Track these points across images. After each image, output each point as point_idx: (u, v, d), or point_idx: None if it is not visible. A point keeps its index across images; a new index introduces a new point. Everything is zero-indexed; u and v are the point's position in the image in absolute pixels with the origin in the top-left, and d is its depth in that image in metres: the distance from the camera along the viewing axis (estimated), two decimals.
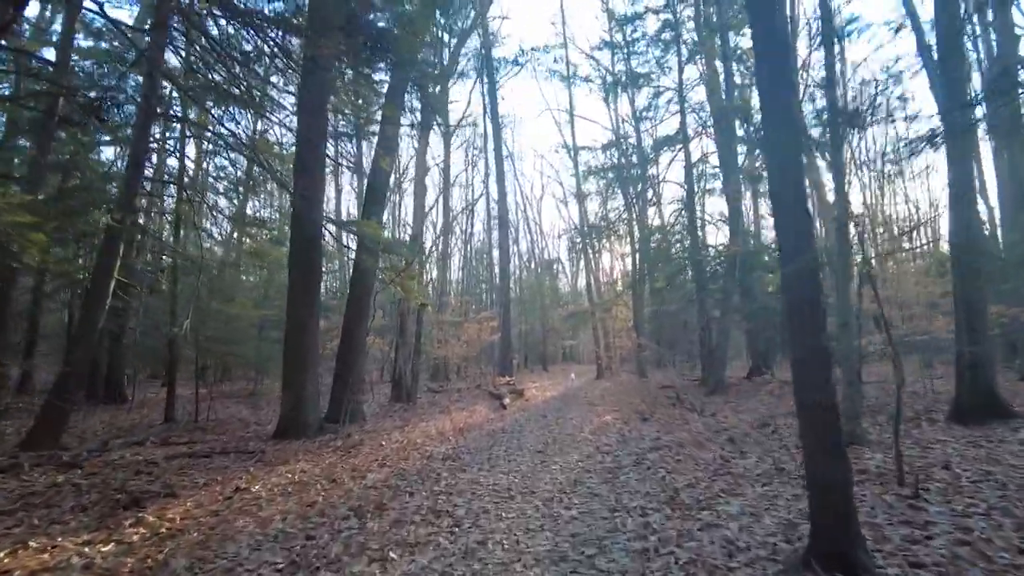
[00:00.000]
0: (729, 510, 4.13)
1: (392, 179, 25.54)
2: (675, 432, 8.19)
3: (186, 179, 14.02)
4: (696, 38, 16.53)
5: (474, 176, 32.10)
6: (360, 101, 10.53)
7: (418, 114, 14.29)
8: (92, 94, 10.49)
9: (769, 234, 21.38)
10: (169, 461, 7.18)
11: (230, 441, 8.81)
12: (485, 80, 22.35)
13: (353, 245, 11.06)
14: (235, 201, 16.89)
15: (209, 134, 11.02)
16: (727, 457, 5.94)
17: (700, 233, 18.40)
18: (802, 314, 3.16)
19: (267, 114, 10.09)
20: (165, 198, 14.31)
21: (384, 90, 11.58)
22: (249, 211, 19.51)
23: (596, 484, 5.48)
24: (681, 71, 17.53)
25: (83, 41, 13.30)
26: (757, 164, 16.54)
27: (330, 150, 14.28)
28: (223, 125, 10.30)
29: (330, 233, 10.16)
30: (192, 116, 11.69)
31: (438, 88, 15.01)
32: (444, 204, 25.27)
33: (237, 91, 10.16)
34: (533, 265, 41.94)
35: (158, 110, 11.29)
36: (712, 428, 8.35)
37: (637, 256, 22.04)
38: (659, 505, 4.53)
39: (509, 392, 15.78)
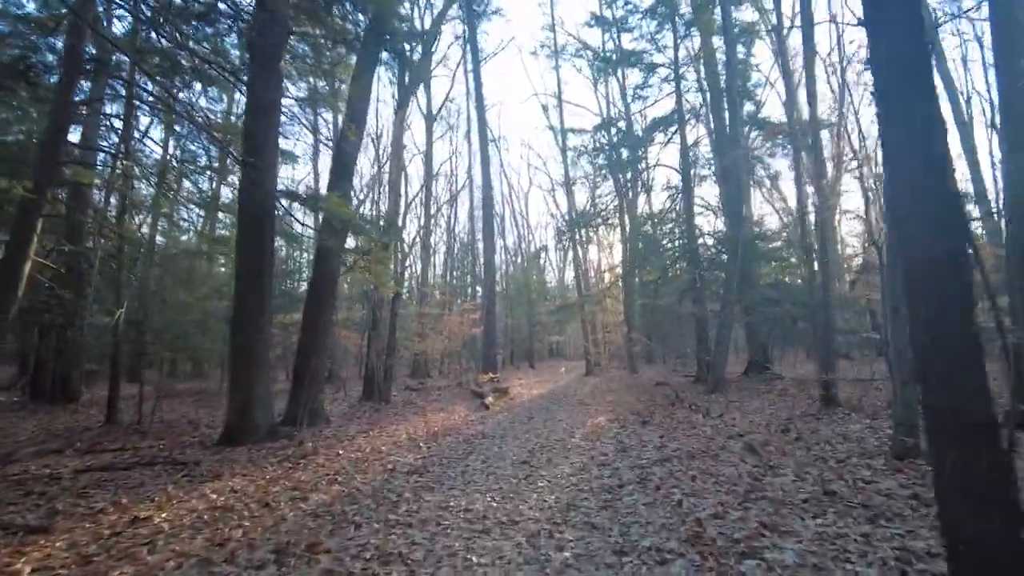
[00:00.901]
0: (782, 559, 3.02)
1: (374, 169, 24.33)
2: (681, 438, 7.09)
3: (147, 160, 12.81)
4: (693, 12, 15.42)
5: (458, 164, 30.81)
6: (324, 60, 9.28)
7: (395, 89, 13.08)
8: (14, 52, 9.21)
9: (768, 221, 20.54)
10: (78, 476, 5.95)
11: (167, 448, 7.58)
12: (469, 58, 21.10)
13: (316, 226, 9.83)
14: (201, 185, 15.52)
15: (151, 99, 9.70)
16: (755, 474, 4.83)
17: (695, 221, 17.35)
18: (945, 299, 2.06)
19: (216, 74, 8.84)
20: (135, 183, 12.97)
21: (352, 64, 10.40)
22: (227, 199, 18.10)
23: (594, 509, 4.35)
24: (676, 48, 16.45)
25: None
26: (755, 146, 15.55)
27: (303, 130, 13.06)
28: (169, 92, 9.02)
29: (285, 210, 8.90)
30: (152, 90, 10.42)
31: (417, 47, 13.77)
32: (426, 193, 24.02)
33: (187, 53, 8.96)
34: (520, 259, 40.83)
35: (92, 71, 10.02)
36: (723, 433, 7.26)
37: (628, 246, 20.97)
38: (680, 545, 3.41)
39: (492, 390, 14.63)
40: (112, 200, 14.17)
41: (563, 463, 6.21)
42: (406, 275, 31.66)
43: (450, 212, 32.48)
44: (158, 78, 8.93)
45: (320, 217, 9.76)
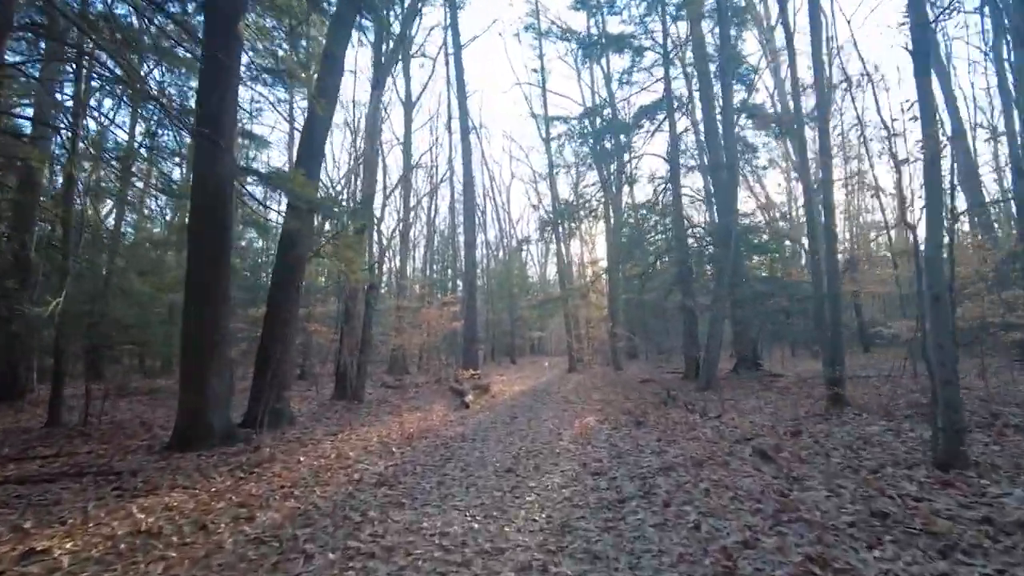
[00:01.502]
0: None
1: (351, 161, 23.29)
2: (681, 442, 6.45)
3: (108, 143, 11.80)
4: None
5: (438, 154, 29.91)
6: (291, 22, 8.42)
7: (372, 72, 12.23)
8: None
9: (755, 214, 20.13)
10: None
11: (108, 455, 6.71)
12: (450, 42, 20.24)
13: (281, 208, 8.99)
14: (170, 172, 14.47)
15: (107, 74, 8.74)
16: (779, 488, 4.18)
17: (683, 212, 16.78)
18: None
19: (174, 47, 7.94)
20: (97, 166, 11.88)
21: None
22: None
23: (594, 532, 3.66)
24: (666, 33, 15.83)
25: None
26: (749, 133, 15.03)
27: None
28: (120, 63, 8.07)
29: (249, 193, 8.03)
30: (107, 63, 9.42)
31: (397, 18, 12.93)
32: (405, 183, 23.15)
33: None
34: (501, 253, 40.08)
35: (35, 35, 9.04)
36: (726, 436, 6.64)
37: (612, 239, 20.36)
38: None
39: (473, 388, 13.90)
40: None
41: (552, 471, 5.52)
42: (385, 268, 30.84)
43: (430, 204, 31.62)
44: (109, 48, 7.99)
45: (285, 200, 8.92)
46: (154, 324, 11.54)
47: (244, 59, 8.84)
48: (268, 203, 9.24)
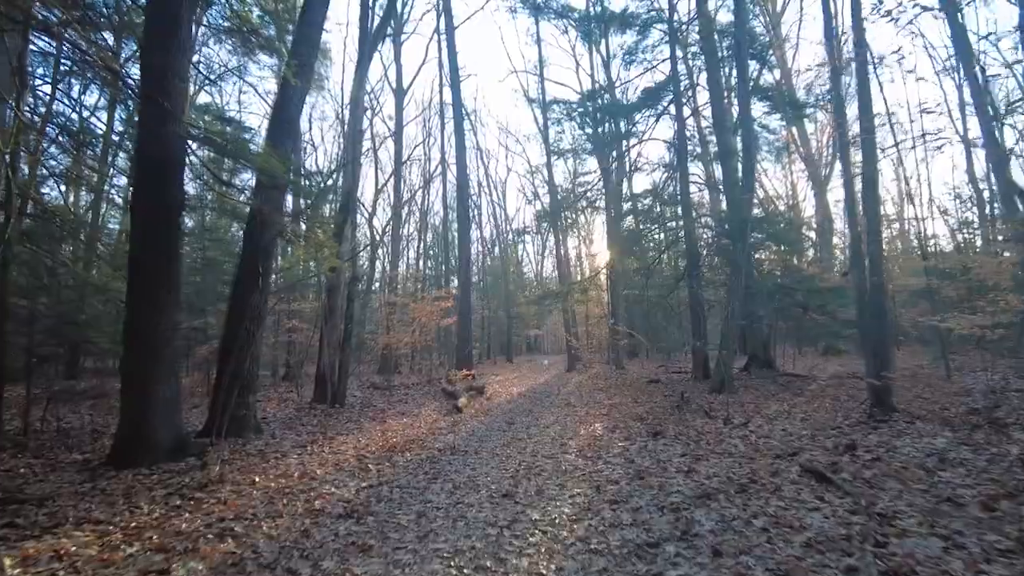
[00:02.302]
0: None
1: (338, 151, 22.11)
2: (711, 457, 5.43)
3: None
4: None
5: (432, 143, 28.78)
6: None
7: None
8: None
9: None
10: None
11: (29, 473, 5.65)
12: (443, 22, 19.17)
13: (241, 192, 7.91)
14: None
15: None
16: (867, 531, 3.16)
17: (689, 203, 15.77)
18: None
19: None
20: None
21: None
22: None
23: None
24: (672, 8, 14.80)
25: None
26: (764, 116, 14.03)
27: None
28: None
29: (204, 165, 6.94)
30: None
31: None
32: (396, 174, 22.11)
33: None
34: (497, 250, 38.97)
35: None
36: (761, 449, 5.64)
37: (612, 229, 19.31)
38: None
39: (467, 389, 12.88)
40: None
41: (559, 497, 4.50)
42: (377, 265, 29.68)
43: (424, 197, 30.50)
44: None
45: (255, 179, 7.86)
46: (107, 319, 10.45)
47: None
48: (235, 183, 8.15)
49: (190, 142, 6.36)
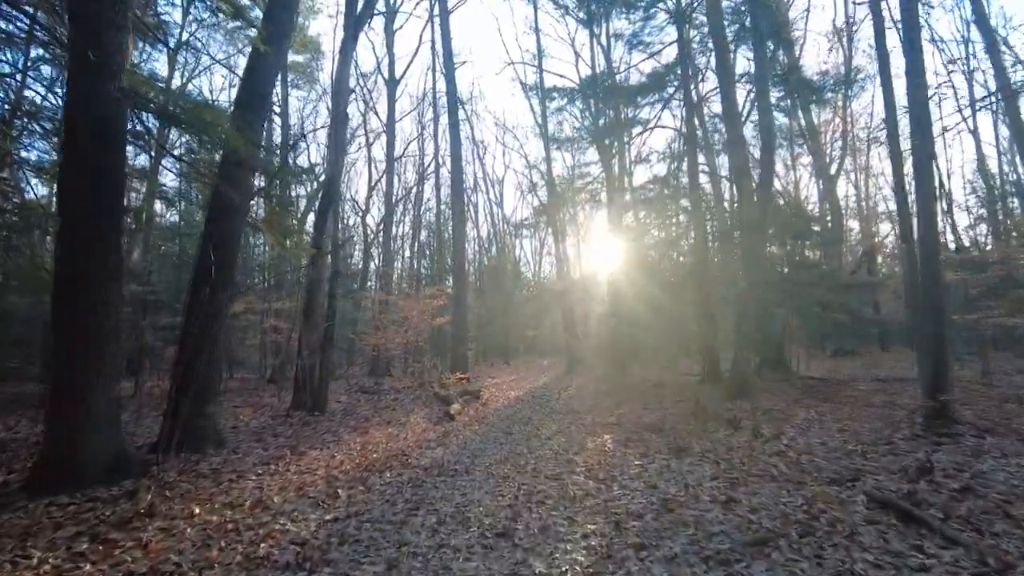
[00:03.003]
0: None
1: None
2: (751, 483, 4.49)
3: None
4: None
5: (426, 138, 27.81)
6: None
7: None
8: None
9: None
10: None
11: None
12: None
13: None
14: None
15: None
16: None
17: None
18: None
19: None
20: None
21: None
22: None
23: None
24: None
25: None
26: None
27: None
28: None
29: (149, 134, 5.96)
30: None
31: None
32: (388, 167, 21.16)
33: None
34: (494, 249, 37.98)
35: None
36: (807, 470, 4.71)
37: (616, 222, 18.33)
38: None
39: (461, 394, 11.94)
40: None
41: (570, 538, 3.56)
42: (372, 265, 28.66)
43: (417, 193, 29.53)
44: None
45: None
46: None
47: None
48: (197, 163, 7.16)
49: (145, 115, 5.40)
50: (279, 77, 21.88)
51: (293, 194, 20.27)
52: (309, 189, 18.67)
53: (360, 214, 30.14)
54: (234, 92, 22.76)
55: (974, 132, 23.49)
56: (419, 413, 9.95)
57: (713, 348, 12.83)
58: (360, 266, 26.58)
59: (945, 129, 17.32)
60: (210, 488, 4.93)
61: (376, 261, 27.04)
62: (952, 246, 18.15)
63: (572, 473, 5.29)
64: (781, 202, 22.42)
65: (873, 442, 5.65)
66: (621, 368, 19.15)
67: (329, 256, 10.01)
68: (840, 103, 21.25)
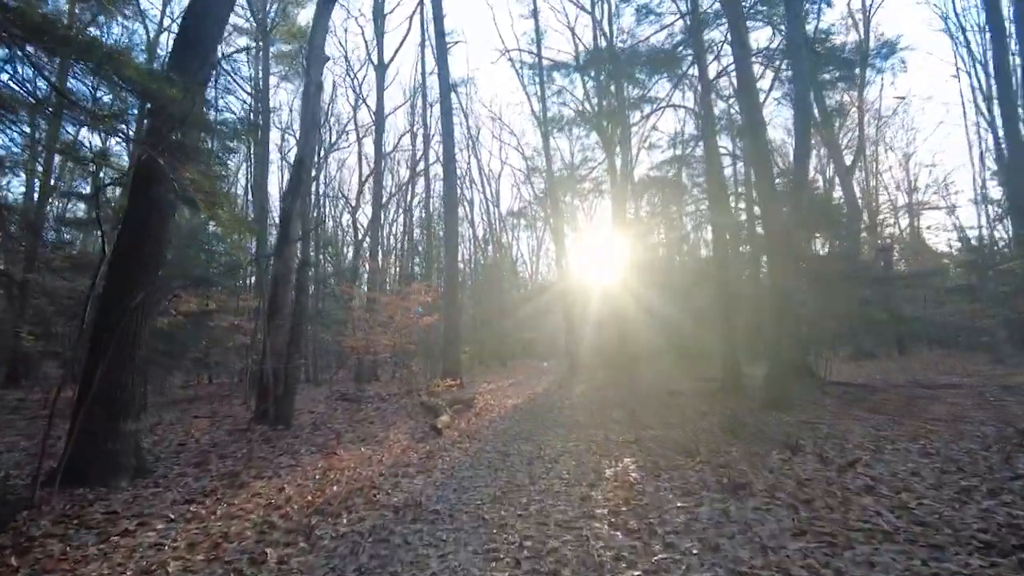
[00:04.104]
0: None
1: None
2: (851, 540, 3.12)
3: None
4: None
5: (419, 128, 26.41)
6: None
7: None
8: None
9: None
10: None
11: None
12: None
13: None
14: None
15: None
16: None
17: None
18: None
19: None
20: None
21: None
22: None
23: None
24: None
25: None
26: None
27: None
28: None
29: (25, 57, 4.52)
30: None
31: None
32: (377, 159, 19.81)
33: None
34: (491, 248, 36.56)
35: None
36: (935, 525, 3.34)
37: (631, 210, 16.96)
38: None
39: (451, 403, 10.55)
40: None
41: None
42: (368, 265, 27.16)
43: (409, 190, 28.13)
44: None
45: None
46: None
47: None
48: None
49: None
50: (260, 66, 20.66)
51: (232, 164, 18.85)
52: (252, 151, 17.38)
53: (351, 211, 28.81)
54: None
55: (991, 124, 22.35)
56: (401, 426, 8.56)
57: (734, 352, 11.47)
58: (350, 264, 25.22)
59: None
60: (90, 545, 3.54)
61: (365, 257, 25.64)
62: None
63: (591, 518, 3.92)
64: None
65: (985, 472, 4.29)
66: (627, 373, 17.79)
67: (299, 246, 8.63)
68: (855, 91, 20.02)
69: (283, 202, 9.11)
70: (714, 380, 13.35)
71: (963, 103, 23.70)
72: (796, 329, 9.90)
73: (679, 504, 4.06)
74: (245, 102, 19.29)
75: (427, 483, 5.16)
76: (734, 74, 13.86)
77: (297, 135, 27.60)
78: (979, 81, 22.56)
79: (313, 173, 26.75)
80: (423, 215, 27.22)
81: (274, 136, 30.81)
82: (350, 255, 28.56)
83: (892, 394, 9.59)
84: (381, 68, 19.99)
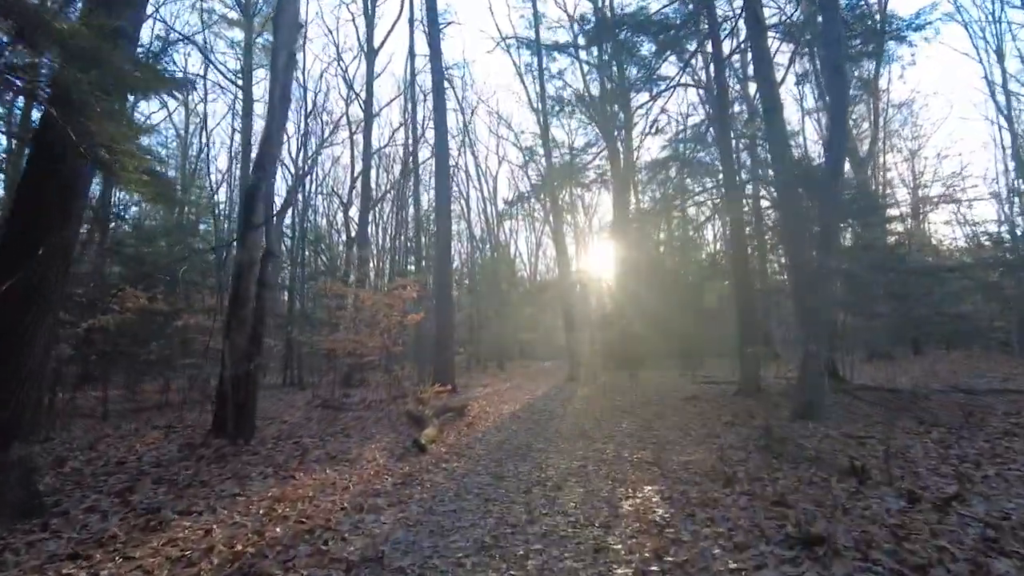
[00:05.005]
0: None
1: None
2: None
3: None
4: None
5: (411, 118, 25.28)
6: None
7: None
8: None
9: None
10: None
11: None
12: None
13: None
14: None
15: None
16: None
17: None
18: None
19: None
20: None
21: None
22: None
23: None
24: None
25: None
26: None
27: None
28: None
29: None
30: None
31: None
32: (365, 148, 18.72)
33: None
34: (488, 247, 35.40)
35: None
36: None
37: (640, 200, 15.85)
38: None
39: (441, 410, 9.47)
40: None
41: None
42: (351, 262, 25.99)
43: (403, 187, 27.00)
44: None
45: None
46: None
47: None
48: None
49: None
50: (246, 58, 19.58)
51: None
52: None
53: (343, 208, 27.71)
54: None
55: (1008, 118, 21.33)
56: (381, 440, 7.45)
57: (755, 352, 10.39)
58: (342, 262, 24.14)
59: None
60: None
61: (348, 251, 24.52)
62: None
63: None
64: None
65: None
66: (632, 375, 16.72)
67: (264, 234, 7.53)
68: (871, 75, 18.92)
69: (248, 184, 8.02)
70: (729, 382, 12.29)
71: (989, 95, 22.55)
72: (829, 328, 8.77)
73: (731, 564, 2.95)
74: (231, 92, 18.21)
75: (397, 522, 4.06)
76: (748, 52, 12.83)
77: (288, 131, 26.52)
78: (988, 69, 21.62)
79: (303, 165, 25.68)
80: (416, 211, 26.04)
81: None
82: (344, 254, 27.53)
83: (934, 401, 8.51)
84: (371, 53, 18.90)
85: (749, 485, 4.38)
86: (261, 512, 4.32)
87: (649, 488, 4.60)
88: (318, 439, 7.47)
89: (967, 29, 24.71)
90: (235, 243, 7.90)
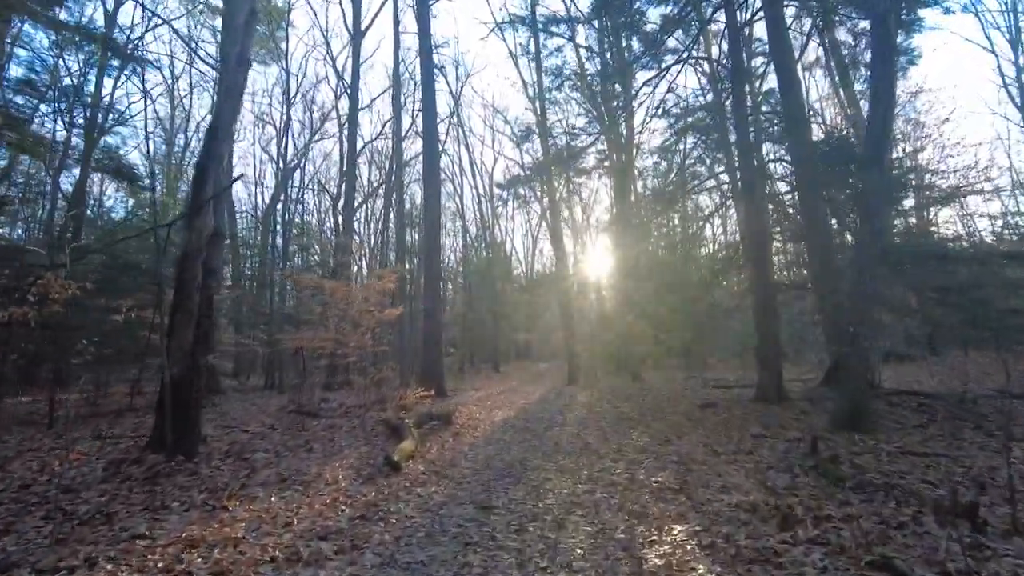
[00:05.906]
0: None
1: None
2: None
3: None
4: None
5: (402, 104, 24.12)
6: None
7: None
8: None
9: None
10: None
11: None
12: None
13: None
14: None
15: None
16: None
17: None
18: None
19: None
20: None
21: None
22: None
23: None
24: None
25: None
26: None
27: None
28: None
29: None
30: None
31: None
32: (351, 129, 17.61)
33: None
34: (483, 246, 34.22)
35: None
36: None
37: (624, 191, 14.75)
38: None
39: (425, 417, 8.36)
40: None
41: None
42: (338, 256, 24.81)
43: (389, 178, 25.82)
44: None
45: None
46: None
47: None
48: None
49: None
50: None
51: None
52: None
53: (332, 203, 26.58)
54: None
55: None
56: (349, 456, 6.32)
57: (775, 354, 9.32)
58: (331, 256, 23.05)
59: None
60: None
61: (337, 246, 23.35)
62: None
63: None
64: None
65: None
66: (635, 377, 15.65)
67: (213, 209, 6.41)
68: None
69: (198, 162, 6.91)
70: (743, 386, 11.26)
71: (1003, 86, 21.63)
72: (876, 327, 7.67)
73: None
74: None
75: None
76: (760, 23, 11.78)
77: (276, 122, 25.26)
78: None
79: (292, 160, 24.55)
80: (403, 207, 24.89)
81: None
82: (333, 250, 26.41)
83: (983, 405, 7.45)
84: (357, 34, 17.78)
85: (815, 528, 3.29)
86: (160, 566, 3.20)
87: (679, 529, 3.51)
88: (274, 454, 6.34)
89: (979, 19, 23.78)
90: (180, 223, 6.78)
